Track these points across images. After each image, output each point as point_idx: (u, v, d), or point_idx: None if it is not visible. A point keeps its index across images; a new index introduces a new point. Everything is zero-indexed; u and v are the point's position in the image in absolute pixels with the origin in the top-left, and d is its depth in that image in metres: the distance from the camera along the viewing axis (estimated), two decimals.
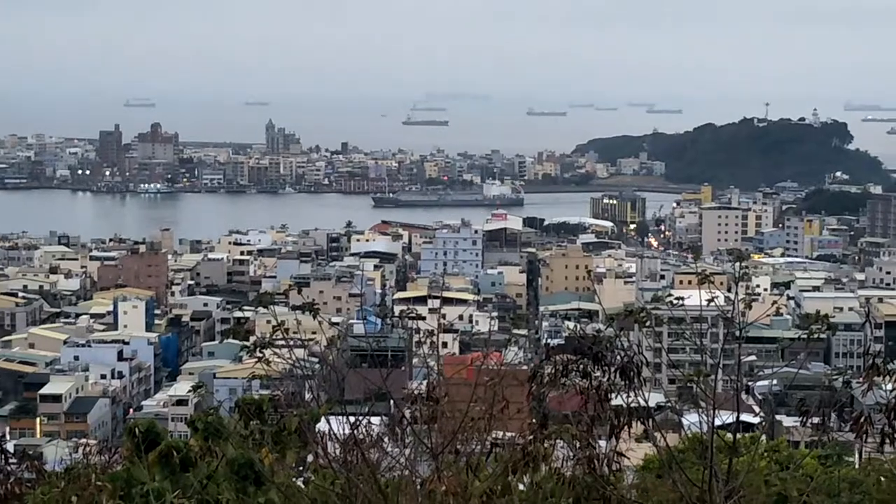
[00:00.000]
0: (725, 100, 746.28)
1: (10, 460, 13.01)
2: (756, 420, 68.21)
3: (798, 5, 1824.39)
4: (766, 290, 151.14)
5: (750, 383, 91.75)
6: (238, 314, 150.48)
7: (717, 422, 12.97)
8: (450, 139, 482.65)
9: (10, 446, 14.24)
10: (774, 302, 33.52)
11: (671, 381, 16.59)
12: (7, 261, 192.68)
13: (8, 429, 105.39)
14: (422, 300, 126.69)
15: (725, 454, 13.02)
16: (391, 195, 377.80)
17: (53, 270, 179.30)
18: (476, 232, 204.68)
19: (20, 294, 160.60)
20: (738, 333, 14.09)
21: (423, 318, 16.28)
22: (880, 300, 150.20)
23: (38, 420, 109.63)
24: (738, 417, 13.47)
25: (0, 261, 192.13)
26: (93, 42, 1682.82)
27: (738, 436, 13.35)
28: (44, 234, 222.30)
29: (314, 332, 15.60)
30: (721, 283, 14.80)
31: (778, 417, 79.87)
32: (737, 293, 14.43)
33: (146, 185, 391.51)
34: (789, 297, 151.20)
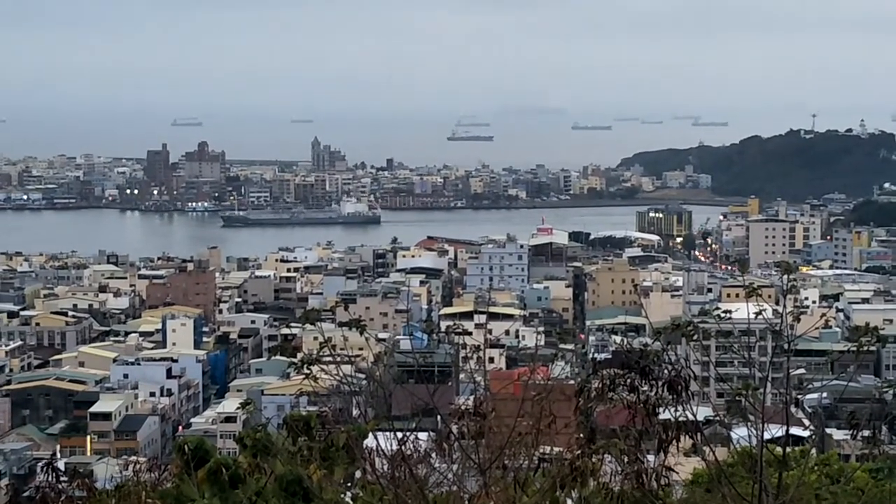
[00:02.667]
0: (771, 112, 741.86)
1: (61, 478, 13.12)
2: (806, 433, 67.58)
3: (844, 14, 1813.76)
4: (814, 302, 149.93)
5: (799, 396, 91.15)
6: (285, 331, 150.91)
7: (767, 435, 12.90)
8: (495, 155, 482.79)
9: (60, 464, 14.35)
10: (823, 314, 33.33)
11: (719, 395, 16.51)
12: (57, 280, 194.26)
13: (59, 447, 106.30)
14: (468, 315, 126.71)
15: (775, 468, 12.93)
16: (240, 213, 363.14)
17: (103, 289, 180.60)
18: (522, 247, 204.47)
19: (70, 313, 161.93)
20: (786, 346, 14.02)
21: (470, 334, 16.30)
22: None
23: (88, 438, 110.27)
24: (787, 431, 13.38)
25: (50, 280, 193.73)
26: (139, 62, 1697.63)
27: (788, 449, 13.26)
28: (93, 253, 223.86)
29: (361, 349, 15.64)
30: (769, 296, 14.61)
31: (828, 430, 79.32)
32: (785, 306, 14.35)
33: (193, 204, 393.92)
34: (838, 310, 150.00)
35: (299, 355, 14.10)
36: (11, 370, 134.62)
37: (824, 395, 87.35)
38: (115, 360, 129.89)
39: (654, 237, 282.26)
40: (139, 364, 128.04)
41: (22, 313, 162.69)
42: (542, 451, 13.34)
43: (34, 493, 13.05)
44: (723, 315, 14.41)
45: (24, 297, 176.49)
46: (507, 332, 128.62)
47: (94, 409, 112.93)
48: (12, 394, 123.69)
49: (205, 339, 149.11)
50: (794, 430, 14.81)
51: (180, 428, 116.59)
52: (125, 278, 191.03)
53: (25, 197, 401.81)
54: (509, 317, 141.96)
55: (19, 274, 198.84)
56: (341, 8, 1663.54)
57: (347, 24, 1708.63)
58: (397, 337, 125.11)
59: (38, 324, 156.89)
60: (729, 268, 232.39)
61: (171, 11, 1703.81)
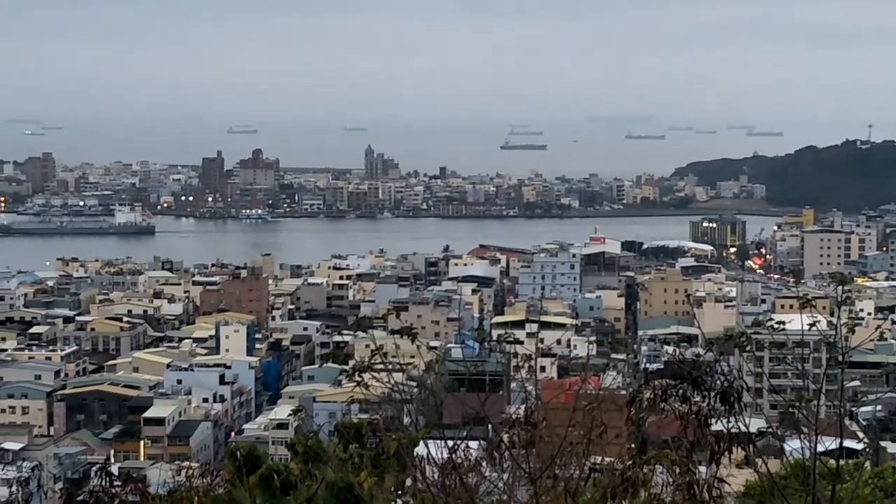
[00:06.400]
0: (827, 122, 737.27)
1: (115, 483, 13.22)
2: (860, 446, 67.02)
3: None
4: (869, 314, 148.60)
5: (853, 409, 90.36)
6: (337, 338, 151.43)
7: (820, 448, 12.80)
8: (548, 163, 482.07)
9: (114, 469, 14.46)
10: (878, 326, 33.01)
11: (772, 407, 16.40)
12: (112, 286, 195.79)
13: (112, 451, 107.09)
14: (520, 324, 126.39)
15: (828, 481, 12.83)
16: (4, 223, 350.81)
17: (157, 295, 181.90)
18: (574, 256, 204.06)
19: (125, 319, 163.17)
20: (841, 358, 13.91)
21: (521, 343, 16.26)
22: None
23: (141, 443, 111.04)
24: (841, 443, 13.27)
25: (105, 286, 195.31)
26: (196, 71, 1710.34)
27: (842, 462, 13.15)
28: (148, 259, 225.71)
29: (412, 357, 15.66)
30: (823, 308, 14.54)
31: (882, 443, 78.53)
32: (839, 317, 14.24)
33: (247, 211, 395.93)
34: (894, 322, 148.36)
35: (351, 363, 14.18)
36: (67, 375, 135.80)
37: (879, 407, 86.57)
38: (168, 366, 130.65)
39: (708, 247, 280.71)
40: (192, 370, 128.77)
41: (77, 318, 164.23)
42: (593, 460, 13.30)
43: (88, 497, 13.17)
44: (776, 326, 14.33)
45: (80, 303, 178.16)
46: (558, 342, 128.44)
47: (148, 414, 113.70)
48: (67, 398, 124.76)
49: (257, 345, 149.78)
50: (849, 443, 14.71)
51: (233, 434, 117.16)
52: (179, 284, 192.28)
53: (82, 203, 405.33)
54: (561, 326, 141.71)
55: (75, 279, 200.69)
56: (392, 20, 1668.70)
57: (402, 38, 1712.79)
58: (449, 345, 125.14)
59: (93, 329, 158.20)
60: (783, 278, 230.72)
61: (227, 24, 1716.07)
